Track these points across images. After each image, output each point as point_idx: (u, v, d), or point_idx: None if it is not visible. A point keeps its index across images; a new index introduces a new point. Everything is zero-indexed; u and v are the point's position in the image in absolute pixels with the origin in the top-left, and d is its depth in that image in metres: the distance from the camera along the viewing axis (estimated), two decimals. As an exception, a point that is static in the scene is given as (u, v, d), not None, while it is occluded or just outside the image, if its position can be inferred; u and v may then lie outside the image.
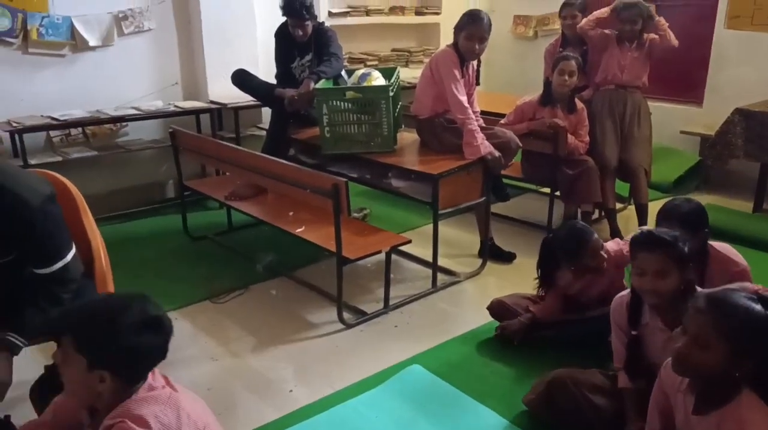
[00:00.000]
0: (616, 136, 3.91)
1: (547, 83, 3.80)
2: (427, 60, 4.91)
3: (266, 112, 4.57)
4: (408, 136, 3.74)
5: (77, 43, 4.03)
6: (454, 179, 3.16)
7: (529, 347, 2.71)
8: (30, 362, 2.24)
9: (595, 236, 2.56)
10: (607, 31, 3.96)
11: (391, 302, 3.10)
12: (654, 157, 4.06)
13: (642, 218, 3.88)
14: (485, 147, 3.23)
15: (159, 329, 1.37)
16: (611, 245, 2.64)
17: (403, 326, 2.97)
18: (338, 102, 3.40)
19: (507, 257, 3.63)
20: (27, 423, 1.61)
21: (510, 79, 6.12)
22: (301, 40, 3.80)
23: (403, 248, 3.23)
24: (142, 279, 3.35)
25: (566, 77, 3.66)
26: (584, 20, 4.01)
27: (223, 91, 4.45)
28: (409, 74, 5.40)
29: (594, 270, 2.57)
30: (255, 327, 2.95)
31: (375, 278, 3.39)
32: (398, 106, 3.64)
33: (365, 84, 3.50)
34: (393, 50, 5.84)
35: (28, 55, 3.88)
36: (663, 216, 2.38)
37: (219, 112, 4.56)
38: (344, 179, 2.77)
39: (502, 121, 3.79)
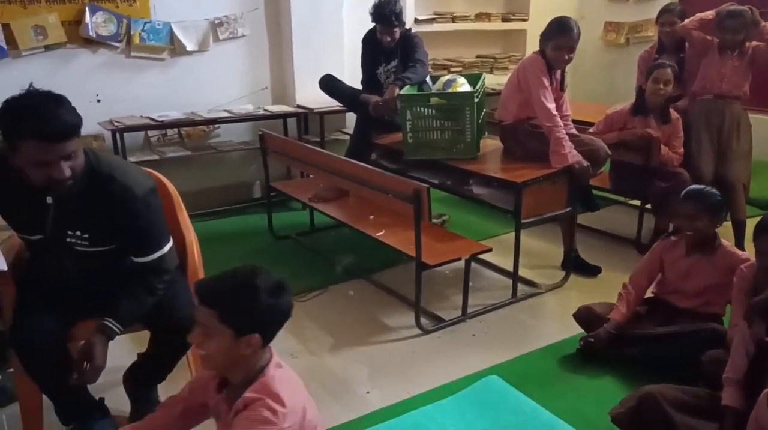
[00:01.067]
0: (712, 148, 3.71)
1: (640, 92, 3.66)
2: (513, 67, 4.86)
3: (350, 118, 4.65)
4: (491, 143, 3.70)
5: (176, 48, 4.24)
6: (538, 188, 3.09)
7: (613, 364, 2.61)
8: (124, 350, 2.37)
9: None
10: (708, 37, 3.77)
11: (469, 311, 3.06)
12: (753, 172, 3.82)
13: (739, 235, 3.66)
14: (573, 156, 3.14)
15: (284, 292, 1.48)
16: None
17: (481, 336, 2.93)
18: (422, 108, 3.40)
19: (592, 271, 3.51)
20: (168, 398, 1.69)
21: (598, 87, 5.93)
22: (388, 47, 3.84)
23: (482, 256, 3.19)
24: (228, 275, 3.47)
25: (661, 86, 3.52)
26: (687, 20, 3.83)
27: (310, 96, 4.57)
28: (494, 81, 5.35)
29: (707, 247, 2.55)
30: (332, 327, 2.99)
31: (452, 285, 3.37)
32: (482, 113, 3.60)
33: (450, 90, 3.49)
34: (478, 57, 5.80)
35: (130, 58, 4.12)
36: (761, 230, 2.24)
37: (305, 117, 4.67)
38: (426, 185, 2.77)
39: (591, 130, 3.68)
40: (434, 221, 3.87)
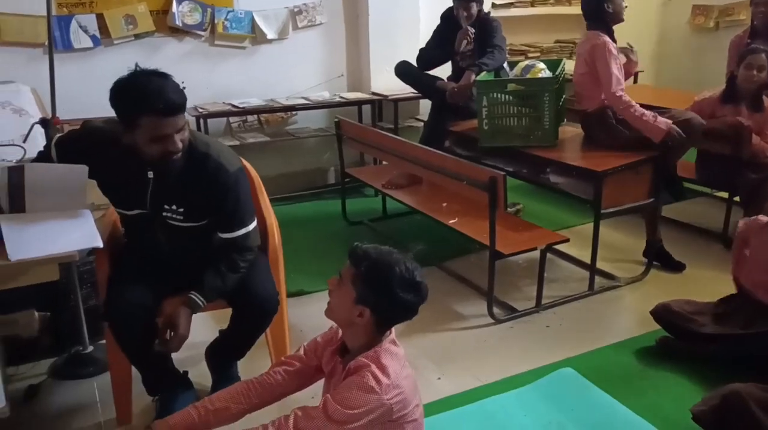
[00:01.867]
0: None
1: (731, 78, 3.47)
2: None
3: (424, 105, 4.64)
4: (570, 131, 3.61)
5: (257, 36, 4.35)
6: (620, 178, 2.99)
7: (693, 361, 2.51)
8: (206, 327, 2.48)
9: None
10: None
11: (543, 302, 3.01)
12: None
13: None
14: (664, 122, 3.03)
15: (419, 293, 1.53)
16: None
17: (555, 327, 2.88)
18: (499, 94, 3.35)
19: (676, 266, 3.37)
20: (284, 357, 1.77)
21: (685, 74, 5.66)
22: (466, 24, 3.77)
23: (558, 247, 3.13)
24: (302, 258, 3.55)
25: (754, 72, 3.33)
26: None
27: (385, 84, 4.58)
28: (573, 67, 5.18)
29: None
30: (405, 313, 3.01)
31: (526, 275, 3.32)
32: (562, 100, 3.51)
33: (529, 76, 3.42)
34: (557, 42, 5.64)
35: (214, 47, 4.26)
36: None
37: (380, 104, 4.70)
38: (502, 173, 2.73)
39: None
40: (508, 209, 3.82)
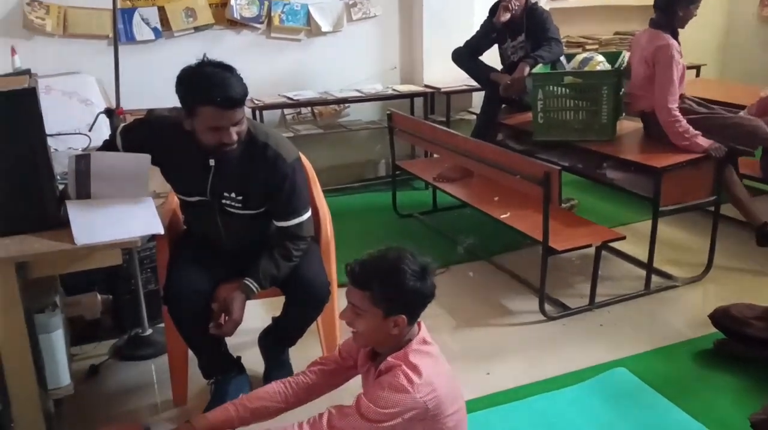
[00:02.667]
0: None
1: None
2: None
3: (476, 97, 4.59)
4: (628, 125, 3.51)
5: (312, 29, 4.38)
6: (680, 174, 2.90)
7: (754, 366, 2.43)
8: (260, 314, 2.53)
9: None
10: None
11: (597, 300, 2.95)
12: None
13: None
14: (704, 142, 2.96)
15: (428, 274, 1.53)
16: None
17: (609, 326, 2.82)
18: (555, 87, 3.29)
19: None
20: (320, 358, 1.80)
21: (752, 68, 5.41)
22: (514, 17, 3.70)
23: (613, 244, 3.05)
24: (352, 250, 3.53)
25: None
26: None
27: (437, 76, 4.56)
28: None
29: None
30: (453, 307, 3.00)
31: (579, 272, 3.26)
32: (621, 93, 3.42)
33: (587, 69, 3.34)
34: (616, 33, 5.48)
35: (270, 39, 4.32)
36: None
37: (432, 96, 4.67)
38: (558, 167, 2.68)
39: (742, 114, 3.38)
40: (562, 205, 3.75)
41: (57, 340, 1.93)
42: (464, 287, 3.20)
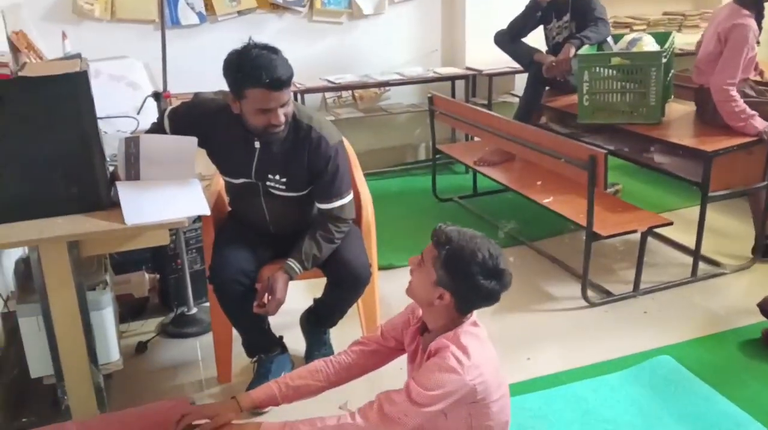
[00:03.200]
0: None
1: None
2: (704, 25, 4.40)
3: (519, 80, 4.52)
4: (677, 108, 3.41)
5: (353, 12, 4.37)
6: (730, 158, 2.82)
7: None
8: (301, 295, 2.56)
9: None
10: None
11: (641, 287, 2.90)
12: None
13: None
14: (761, 123, 2.83)
15: (501, 281, 1.49)
16: None
17: (653, 313, 2.77)
18: (602, 69, 3.21)
19: None
20: (362, 337, 1.82)
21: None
22: None
23: (659, 230, 2.99)
24: (391, 233, 3.57)
25: None
26: None
27: (480, 58, 4.49)
28: (683, 40, 4.87)
29: None
30: (494, 292, 2.98)
31: (623, 258, 3.20)
32: (669, 75, 3.32)
33: (635, 50, 3.25)
34: (665, 14, 5.31)
35: (312, 22, 4.32)
36: None
37: (474, 79, 4.62)
38: (604, 151, 2.63)
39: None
40: (607, 190, 3.68)
41: (107, 317, 2.00)
42: (504, 272, 3.17)
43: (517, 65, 4.11)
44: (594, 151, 2.64)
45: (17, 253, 2.44)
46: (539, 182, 3.31)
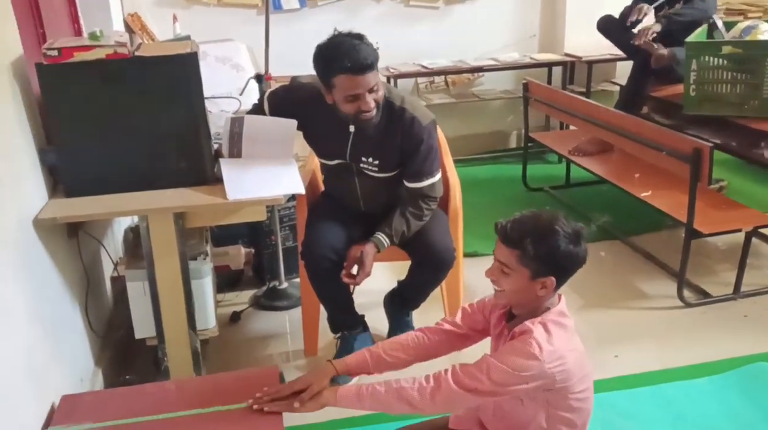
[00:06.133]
0: None
1: None
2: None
3: (621, 67, 4.34)
4: (795, 102, 3.17)
5: (451, -5, 4.35)
6: None
7: None
8: (386, 276, 2.61)
9: None
10: None
11: (743, 289, 2.74)
12: None
13: None
14: None
15: (581, 239, 1.47)
16: None
17: (754, 318, 2.61)
18: (711, 58, 3.04)
19: None
20: (441, 319, 1.80)
21: None
22: None
23: (765, 230, 2.81)
24: (478, 221, 3.53)
25: None
26: None
27: (580, 44, 4.35)
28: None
29: None
30: (582, 286, 2.90)
31: (724, 259, 3.04)
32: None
33: (748, 38, 3.05)
34: (786, 0, 4.92)
35: (408, 7, 4.33)
36: None
37: (572, 65, 4.48)
38: (710, 144, 2.50)
39: None
40: (711, 186, 3.49)
41: (206, 286, 2.12)
42: (594, 266, 3.06)
43: (619, 52, 3.96)
44: (699, 144, 2.51)
45: (126, 221, 2.63)
46: (637, 175, 3.19)
